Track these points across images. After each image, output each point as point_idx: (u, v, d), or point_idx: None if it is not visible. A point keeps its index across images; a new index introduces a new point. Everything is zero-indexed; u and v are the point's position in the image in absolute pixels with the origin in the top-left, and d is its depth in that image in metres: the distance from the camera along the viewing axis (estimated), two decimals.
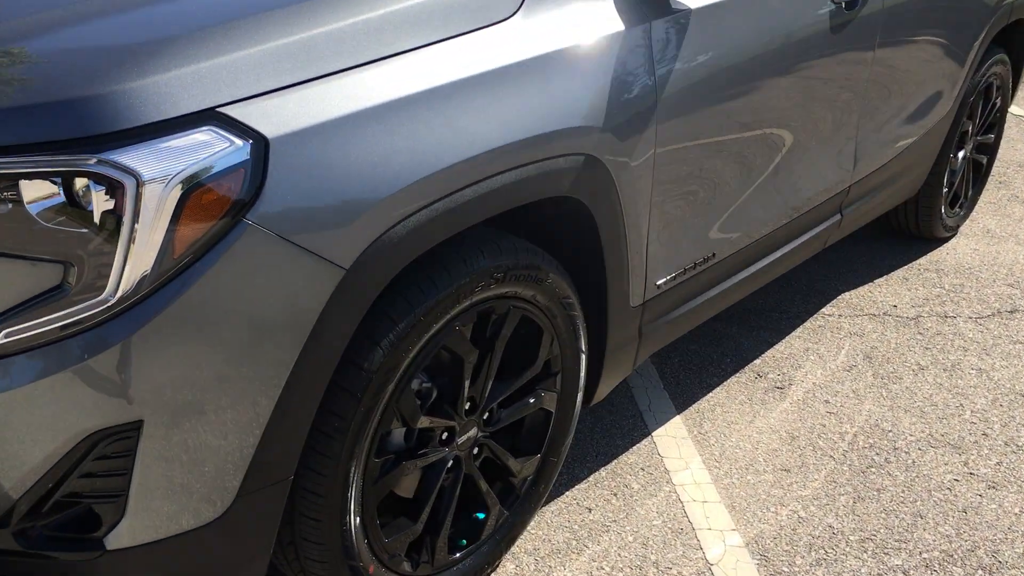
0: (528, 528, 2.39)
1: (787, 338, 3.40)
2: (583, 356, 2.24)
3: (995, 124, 4.36)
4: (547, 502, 2.50)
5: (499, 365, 2.10)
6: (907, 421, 2.94)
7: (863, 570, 2.33)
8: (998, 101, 4.25)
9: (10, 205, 1.35)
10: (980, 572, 2.34)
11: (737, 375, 3.15)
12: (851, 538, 2.43)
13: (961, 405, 3.04)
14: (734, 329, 3.44)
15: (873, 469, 2.71)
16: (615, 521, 2.45)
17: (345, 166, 1.55)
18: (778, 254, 2.92)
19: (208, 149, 1.41)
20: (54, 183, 1.35)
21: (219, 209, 1.42)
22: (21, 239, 1.35)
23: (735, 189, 2.54)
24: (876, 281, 3.88)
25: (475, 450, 2.08)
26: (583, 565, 2.29)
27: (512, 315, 1.99)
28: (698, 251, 2.51)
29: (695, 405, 2.98)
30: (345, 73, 1.58)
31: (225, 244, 1.42)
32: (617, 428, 2.83)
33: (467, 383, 1.95)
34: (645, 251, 2.31)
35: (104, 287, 1.37)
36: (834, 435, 2.85)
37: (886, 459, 2.75)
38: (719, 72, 2.33)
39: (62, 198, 1.36)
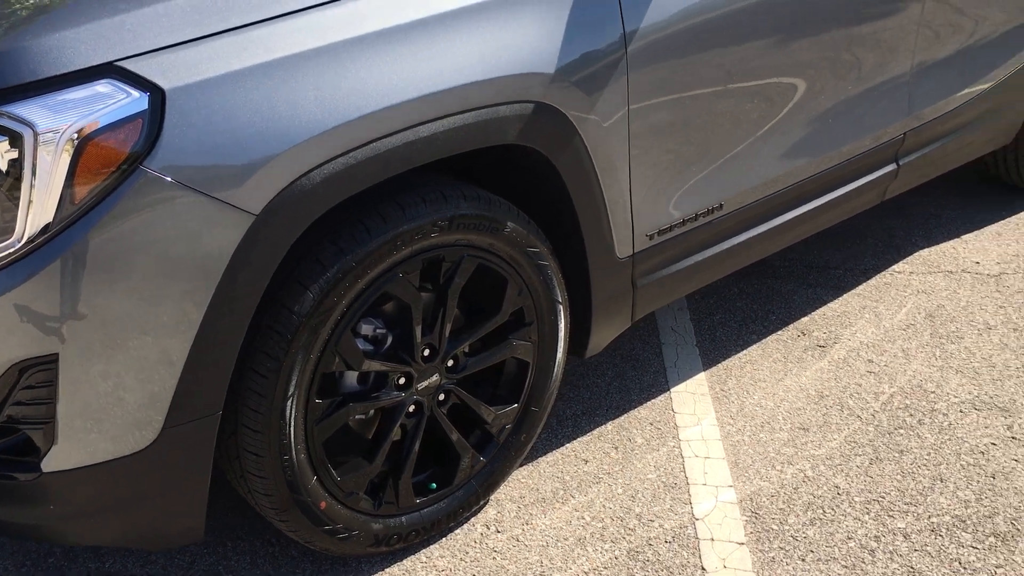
0: (518, 477, 2.42)
1: (845, 295, 3.25)
2: (560, 307, 2.24)
3: None
4: (544, 452, 2.52)
5: (467, 313, 2.14)
6: (955, 382, 2.75)
7: (860, 532, 2.22)
8: None
9: None
10: (992, 539, 2.19)
11: (779, 332, 3.04)
12: (856, 499, 2.32)
13: (1023, 366, 2.82)
14: (789, 285, 3.31)
15: (902, 431, 2.56)
16: (608, 474, 2.44)
17: (249, 116, 1.62)
18: (810, 206, 2.79)
19: (105, 101, 1.52)
20: None
21: (116, 158, 1.52)
22: None
23: (740, 136, 2.45)
24: (963, 237, 3.63)
25: (440, 396, 2.12)
26: (565, 514, 2.30)
27: (467, 263, 2.02)
28: (698, 202, 2.44)
29: (724, 362, 2.90)
30: (252, 27, 1.65)
31: (124, 191, 1.53)
32: (635, 383, 2.80)
33: (418, 330, 2.00)
34: (628, 202, 2.27)
35: (14, 230, 1.51)
36: (868, 395, 2.71)
37: (919, 421, 2.60)
38: (712, 10, 2.25)
39: None
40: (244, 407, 1.80)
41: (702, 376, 2.84)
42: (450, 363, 2.11)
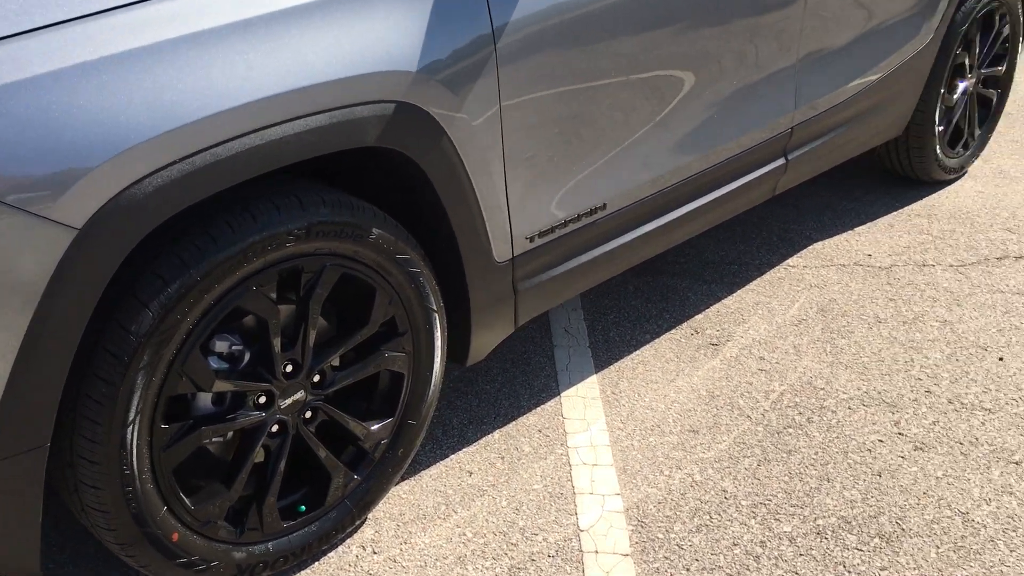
0: (399, 493, 2.32)
1: (739, 291, 3.22)
2: (435, 315, 2.13)
3: (1005, 55, 4.01)
4: (427, 465, 2.42)
5: (337, 324, 2.02)
6: (844, 378, 2.74)
7: (746, 537, 2.18)
8: (1005, 29, 3.90)
9: None
10: (877, 540, 2.16)
11: (672, 331, 2.99)
12: (742, 503, 2.28)
13: (911, 360, 2.82)
14: (684, 283, 3.27)
15: (790, 430, 2.53)
16: (493, 486, 2.35)
17: (67, 121, 1.48)
18: (699, 203, 2.74)
19: None
20: None
21: None
22: None
23: (622, 133, 2.38)
24: (856, 229, 3.63)
25: (307, 414, 2.01)
26: (446, 531, 2.21)
27: (329, 273, 1.90)
28: (581, 202, 2.36)
29: (617, 363, 2.84)
30: (70, 24, 1.51)
31: None
32: (526, 388, 2.72)
33: (277, 345, 1.87)
34: (505, 204, 2.18)
35: None
36: (759, 394, 2.68)
37: (808, 419, 2.57)
38: (588, 3, 2.17)
39: None
40: (79, 437, 1.66)
41: (594, 379, 2.77)
42: (316, 378, 1.99)
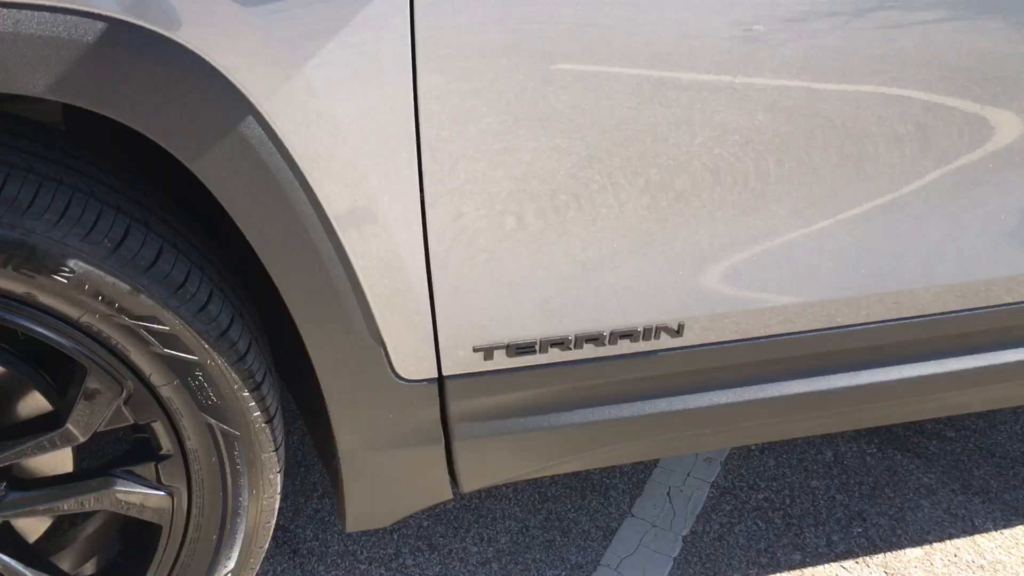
0: None
1: (1015, 528, 1.80)
2: (238, 442, 1.15)
3: None
4: None
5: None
6: None
7: None
8: None
9: None
10: None
11: (830, 564, 1.69)
12: None
13: None
14: (929, 476, 1.92)
15: None
16: None
17: None
18: (911, 371, 1.41)
19: None
20: None
21: None
22: None
23: (742, 199, 1.18)
24: None
25: None
26: None
27: None
28: (620, 311, 1.21)
29: None
30: None
31: None
32: (558, 554, 1.62)
33: None
34: (425, 272, 1.12)
35: None
36: None
37: None
38: None
39: None
40: None
41: None
42: None
